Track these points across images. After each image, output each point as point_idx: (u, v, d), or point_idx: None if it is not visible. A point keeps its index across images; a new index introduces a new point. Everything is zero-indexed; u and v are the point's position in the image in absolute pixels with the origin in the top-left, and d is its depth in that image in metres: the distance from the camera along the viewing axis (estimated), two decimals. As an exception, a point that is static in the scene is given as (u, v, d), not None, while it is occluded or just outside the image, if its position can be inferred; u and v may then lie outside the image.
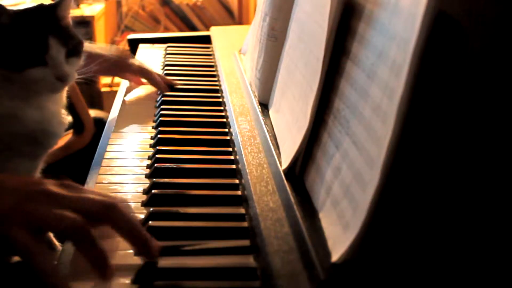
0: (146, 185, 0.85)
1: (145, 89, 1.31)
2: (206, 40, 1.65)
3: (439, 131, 0.62)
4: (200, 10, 3.31)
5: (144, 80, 1.32)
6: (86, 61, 0.92)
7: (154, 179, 0.85)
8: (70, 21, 0.89)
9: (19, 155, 0.85)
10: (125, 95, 1.26)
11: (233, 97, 1.13)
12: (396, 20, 0.59)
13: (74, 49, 0.86)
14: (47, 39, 0.82)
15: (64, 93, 0.92)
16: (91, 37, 2.81)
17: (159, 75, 1.30)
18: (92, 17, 2.80)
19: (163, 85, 1.26)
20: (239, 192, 0.83)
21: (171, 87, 1.26)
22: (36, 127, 0.85)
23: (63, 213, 0.60)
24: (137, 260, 0.67)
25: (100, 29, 2.93)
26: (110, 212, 0.63)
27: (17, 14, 0.83)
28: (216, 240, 0.71)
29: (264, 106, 1.04)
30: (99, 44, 1.27)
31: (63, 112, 0.91)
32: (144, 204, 0.80)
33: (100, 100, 2.89)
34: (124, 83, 1.34)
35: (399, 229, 0.59)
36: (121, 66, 1.27)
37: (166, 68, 1.40)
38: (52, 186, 0.63)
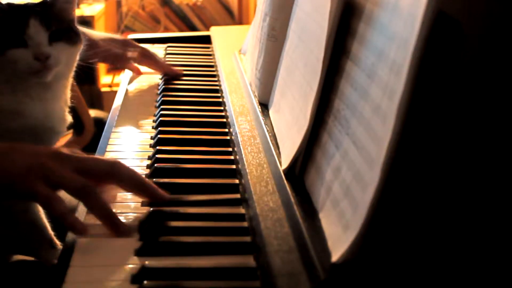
0: (146, 185, 0.85)
1: (145, 89, 1.31)
2: (206, 40, 1.65)
3: (439, 131, 0.62)
4: (200, 10, 3.31)
5: (145, 70, 1.35)
6: (88, 46, 0.93)
7: (154, 179, 0.85)
8: (72, 16, 0.90)
9: None
10: (125, 95, 1.26)
11: (233, 97, 1.13)
12: (396, 20, 0.59)
13: (62, 34, 0.86)
14: (28, 19, 0.82)
15: (66, 91, 0.92)
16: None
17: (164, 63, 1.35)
18: (92, 17, 2.80)
19: (166, 67, 1.32)
20: (239, 193, 0.83)
21: (172, 88, 1.26)
22: (37, 123, 0.86)
23: (74, 176, 0.71)
24: (136, 261, 0.67)
25: (100, 29, 2.93)
26: (116, 170, 0.75)
27: (8, 3, 0.84)
28: (216, 238, 0.71)
29: (264, 106, 1.03)
30: (103, 33, 1.30)
31: (66, 110, 0.91)
32: (144, 204, 0.80)
33: (100, 100, 2.89)
34: (124, 83, 1.34)
35: (399, 229, 0.59)
36: (126, 43, 1.30)
37: (166, 68, 1.40)
38: (64, 150, 0.75)
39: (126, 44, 1.31)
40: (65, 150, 0.74)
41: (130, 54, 1.31)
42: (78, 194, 0.72)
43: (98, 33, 1.28)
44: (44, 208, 0.73)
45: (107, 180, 0.75)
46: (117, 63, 1.38)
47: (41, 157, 0.72)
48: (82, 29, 0.94)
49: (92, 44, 0.97)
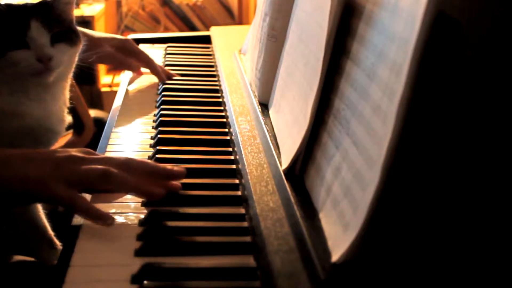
0: (146, 185, 0.85)
1: (145, 89, 1.31)
2: (206, 40, 1.65)
3: (439, 131, 0.62)
4: (200, 10, 3.31)
5: (144, 70, 1.35)
6: (88, 46, 0.93)
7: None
8: (72, 16, 0.90)
9: None
10: (125, 95, 1.26)
11: (233, 97, 1.13)
12: (396, 20, 0.59)
13: (63, 36, 0.86)
14: (29, 21, 0.82)
15: (65, 91, 0.92)
16: (91, 37, 2.80)
17: (160, 66, 1.33)
18: (92, 17, 2.80)
19: (162, 75, 1.30)
20: (239, 192, 0.83)
21: (172, 88, 1.26)
22: (36, 124, 0.86)
23: (91, 167, 0.73)
24: (136, 261, 0.68)
25: (100, 29, 2.93)
26: (129, 165, 0.76)
27: (7, 4, 0.84)
28: (216, 238, 0.71)
29: (264, 106, 1.03)
30: (103, 33, 1.29)
31: (64, 110, 0.91)
32: (144, 204, 0.80)
33: (100, 100, 2.89)
34: (124, 83, 1.33)
35: (399, 229, 0.59)
36: (125, 49, 1.29)
37: (166, 68, 1.40)
38: (76, 151, 0.76)
39: (125, 44, 1.30)
40: (77, 152, 0.76)
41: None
42: (101, 180, 0.74)
43: (97, 33, 1.28)
44: (68, 209, 0.74)
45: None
46: (115, 64, 1.38)
47: (58, 162, 0.73)
48: (81, 29, 0.94)
49: (91, 44, 0.97)
